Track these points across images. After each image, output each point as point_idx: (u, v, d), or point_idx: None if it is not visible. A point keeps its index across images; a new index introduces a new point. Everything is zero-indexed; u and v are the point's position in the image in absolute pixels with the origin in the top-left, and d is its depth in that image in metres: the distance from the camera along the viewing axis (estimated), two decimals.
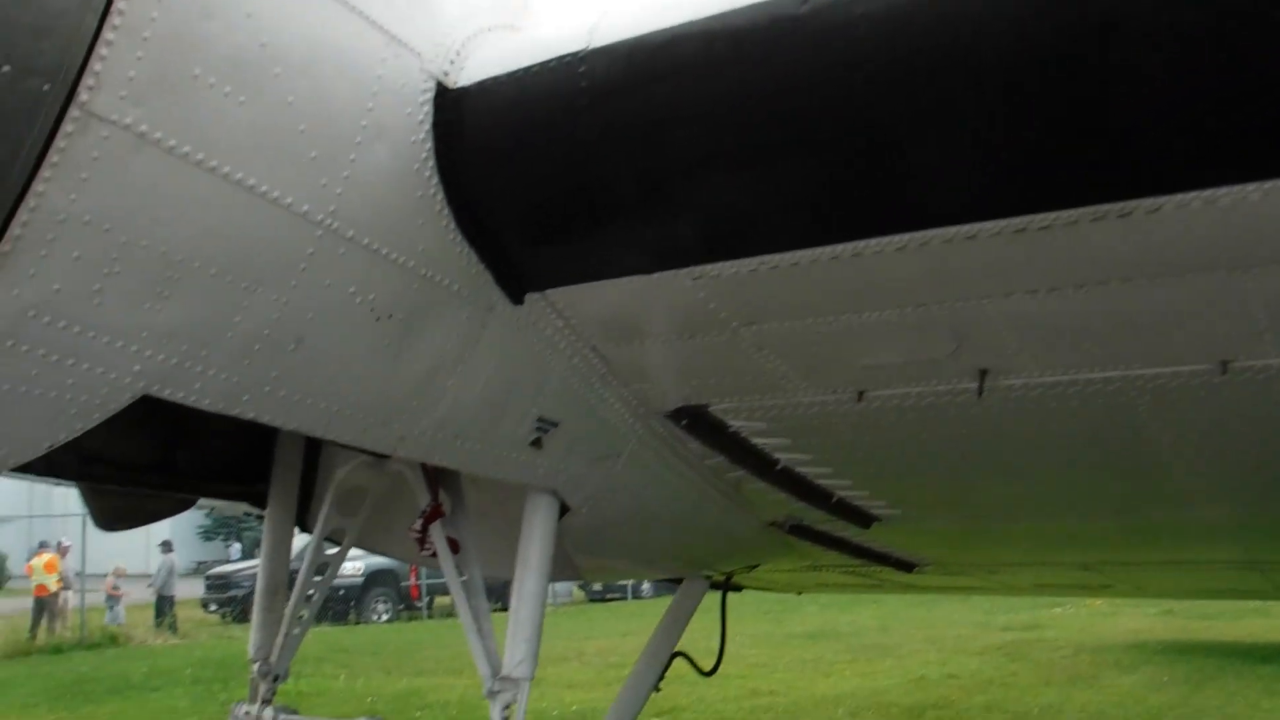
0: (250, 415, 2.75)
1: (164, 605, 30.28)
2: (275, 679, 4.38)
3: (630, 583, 34.17)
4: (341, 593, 30.62)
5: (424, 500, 3.92)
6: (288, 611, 4.43)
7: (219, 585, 33.70)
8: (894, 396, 3.25)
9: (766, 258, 2.70)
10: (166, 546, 31.63)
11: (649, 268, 2.86)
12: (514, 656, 3.70)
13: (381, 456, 4.09)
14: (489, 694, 3.67)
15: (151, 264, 2.37)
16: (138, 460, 4.24)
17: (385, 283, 2.76)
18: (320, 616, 30.78)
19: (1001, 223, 2.42)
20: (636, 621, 26.74)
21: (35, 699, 18.61)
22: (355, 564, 31.05)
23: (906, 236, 2.52)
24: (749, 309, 2.95)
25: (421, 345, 2.93)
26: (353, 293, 2.71)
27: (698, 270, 2.81)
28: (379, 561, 31.31)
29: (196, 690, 18.69)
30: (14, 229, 2.17)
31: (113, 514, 4.58)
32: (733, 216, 2.66)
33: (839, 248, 2.62)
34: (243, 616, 31.68)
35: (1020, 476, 3.97)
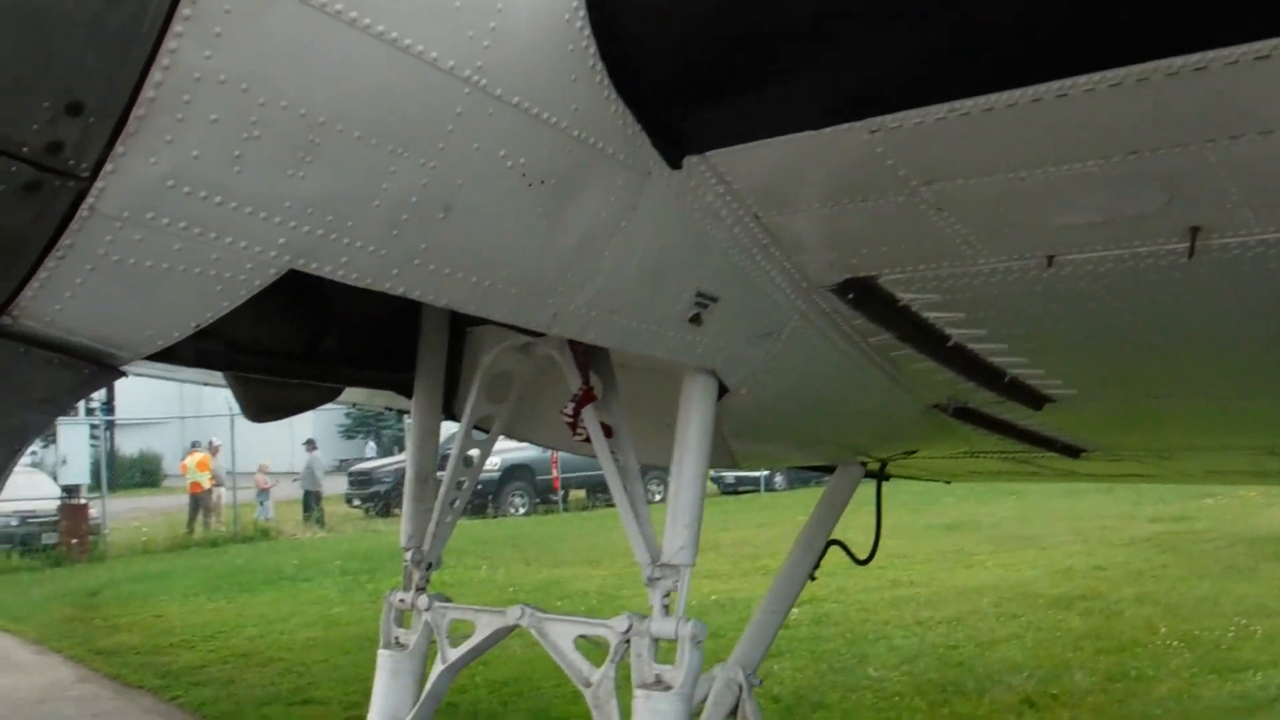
0: (400, 290, 2.60)
1: (311, 501, 31.37)
2: (428, 567, 4.33)
3: (763, 475, 34.19)
4: (479, 486, 31.20)
5: (575, 384, 3.77)
6: (439, 500, 4.35)
7: (361, 481, 34.74)
8: (1089, 261, 2.95)
9: (958, 104, 2.42)
10: (311, 445, 32.62)
11: (822, 121, 2.60)
12: (674, 543, 3.56)
13: (530, 339, 3.98)
14: (648, 581, 3.54)
15: (293, 127, 2.20)
16: (285, 349, 4.18)
17: (537, 145, 2.56)
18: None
19: (1241, 49, 2.11)
20: (770, 514, 26.79)
21: (195, 588, 19.45)
22: (492, 458, 31.51)
23: (1124, 71, 2.22)
24: (932, 165, 2.68)
25: (576, 213, 2.73)
26: (503, 156, 2.52)
27: (876, 122, 2.55)
28: (515, 456, 31.88)
29: (344, 581, 19.32)
30: (147, 91, 2.02)
31: (261, 405, 4.55)
32: (921, 56, 2.38)
33: (1042, 88, 2.32)
34: (385, 511, 32.71)
35: (1221, 349, 3.64)
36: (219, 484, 30.11)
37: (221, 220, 2.24)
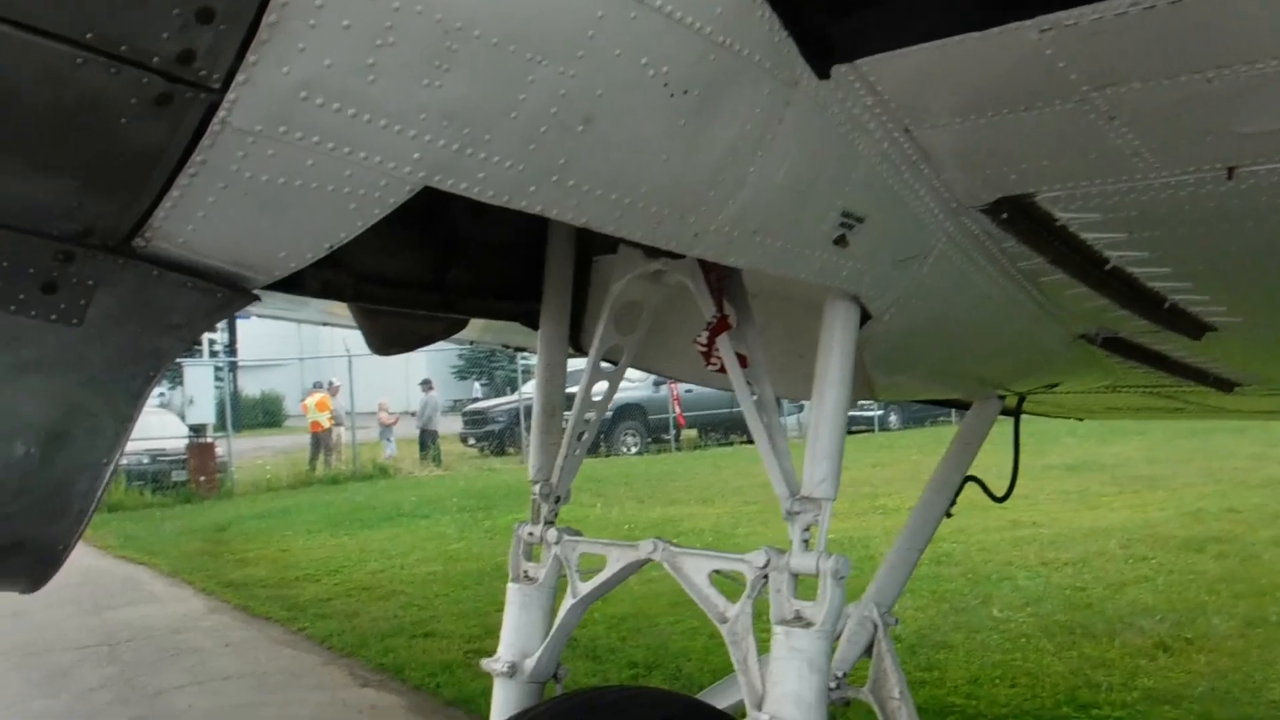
0: (537, 208, 2.48)
1: (427, 440, 31.95)
2: (556, 500, 4.26)
3: (876, 414, 33.84)
4: None
5: (709, 312, 3.63)
6: (567, 433, 4.27)
7: (476, 420, 35.27)
8: (1276, 172, 2.72)
9: None
10: (427, 385, 33.19)
11: (987, 21, 2.41)
12: (814, 475, 3.42)
13: (660, 267, 3.85)
14: (787, 515, 3.41)
15: (428, 34, 2.08)
16: (412, 280, 4.12)
17: (680, 52, 2.40)
18: None
19: None
20: (885, 453, 26.53)
21: (318, 524, 19.95)
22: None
23: None
24: (1107, 68, 2.46)
25: (719, 126, 2.57)
26: (645, 64, 2.37)
27: (1049, 20, 2.34)
28: (627, 395, 32.02)
29: (462, 518, 19.64)
30: None
31: (386, 337, 4.51)
32: None
33: None
34: (499, 450, 33.17)
35: None
36: (338, 423, 30.82)
37: (355, 134, 2.14)
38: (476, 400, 43.09)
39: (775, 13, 2.50)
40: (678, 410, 31.88)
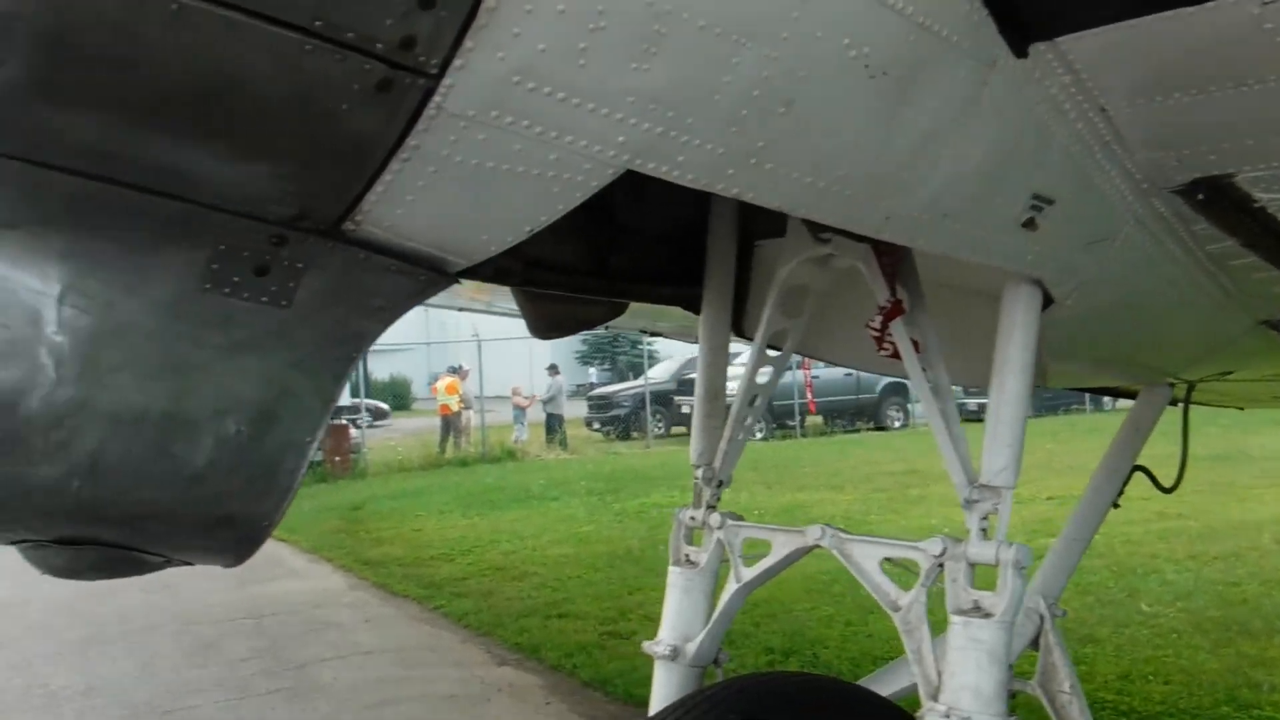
0: (733, 191, 2.47)
1: (554, 424, 32.30)
2: (719, 485, 4.25)
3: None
4: None
5: (883, 296, 3.58)
6: (731, 417, 4.26)
7: (601, 405, 35.55)
8: None
9: None
10: (554, 369, 33.54)
11: None
12: (994, 463, 3.35)
13: (830, 251, 3.81)
14: (965, 503, 3.35)
15: (638, 17, 2.08)
16: (576, 266, 4.15)
17: (881, 33, 2.36)
18: None
19: None
20: (1049, 441, 25.86)
21: (449, 505, 20.31)
22: (730, 384, 31.71)
23: None
24: None
25: (916, 108, 2.53)
26: (846, 45, 2.33)
27: None
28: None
29: (590, 501, 19.81)
30: None
31: (549, 322, 4.55)
32: None
33: None
34: (625, 434, 33.37)
35: None
36: (467, 407, 31.34)
37: (563, 118, 2.16)
38: (595, 385, 43.39)
39: None
40: (810, 396, 31.66)
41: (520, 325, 5.05)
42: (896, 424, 33.59)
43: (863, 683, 4.22)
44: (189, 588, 13.23)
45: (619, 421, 33.68)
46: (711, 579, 4.15)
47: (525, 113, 2.12)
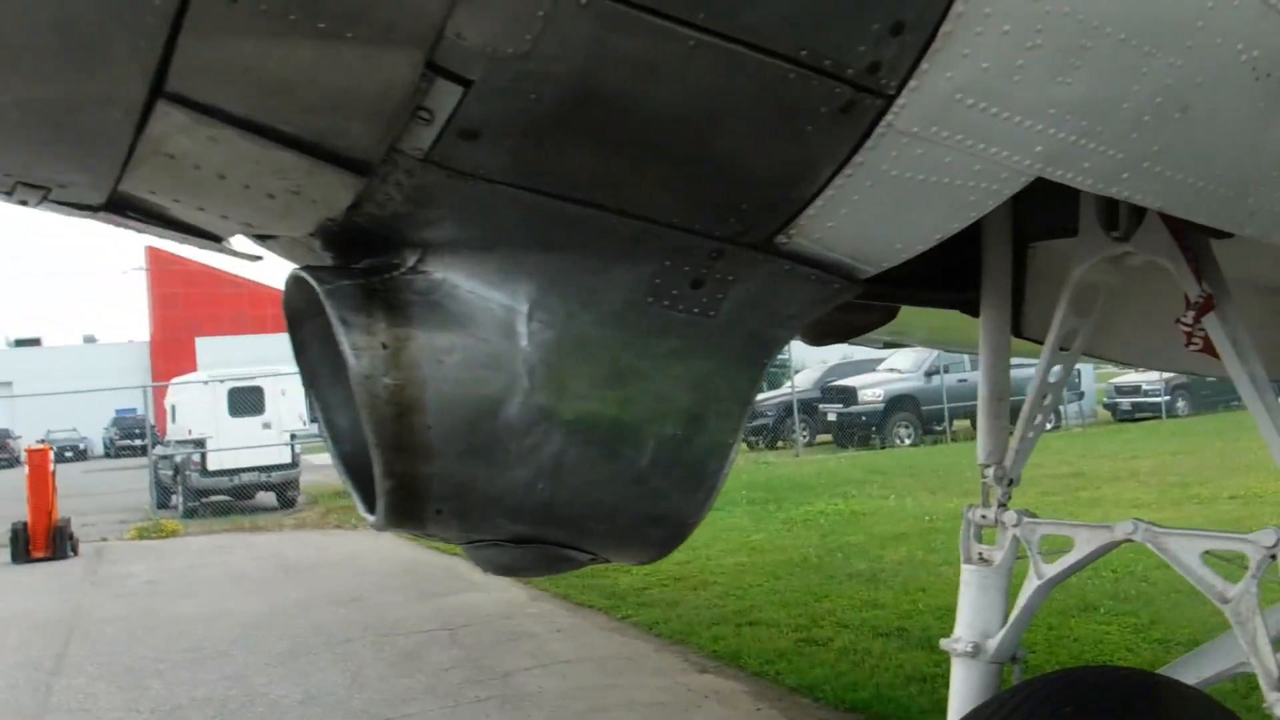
0: (1124, 194, 2.57)
1: None
2: (1010, 483, 4.32)
3: (1164, 400, 32.34)
4: (863, 419, 31.33)
5: (1193, 292, 3.63)
6: (1023, 417, 4.33)
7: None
8: None
9: None
10: None
11: None
12: None
13: (1128, 249, 3.86)
14: None
15: (1068, 33, 2.21)
16: None
17: (1269, 37, 2.45)
18: (844, 441, 31.73)
19: None
20: (1181, 440, 25.24)
21: None
22: (874, 390, 31.60)
23: None
24: None
25: None
26: (1239, 50, 2.43)
27: None
28: (899, 386, 31.67)
29: (754, 510, 19.84)
30: (957, 5, 2.07)
31: (821, 329, 4.67)
32: None
33: None
34: (772, 443, 33.29)
35: None
36: None
37: (991, 130, 2.29)
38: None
39: None
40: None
41: None
42: (1048, 426, 32.91)
43: (1166, 670, 4.23)
44: (377, 601, 13.69)
45: (766, 431, 33.64)
46: (1007, 576, 4.22)
47: (960, 127, 2.26)
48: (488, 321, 2.31)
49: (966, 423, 32.82)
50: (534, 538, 2.52)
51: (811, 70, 2.05)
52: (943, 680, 9.20)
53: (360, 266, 2.38)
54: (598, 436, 2.42)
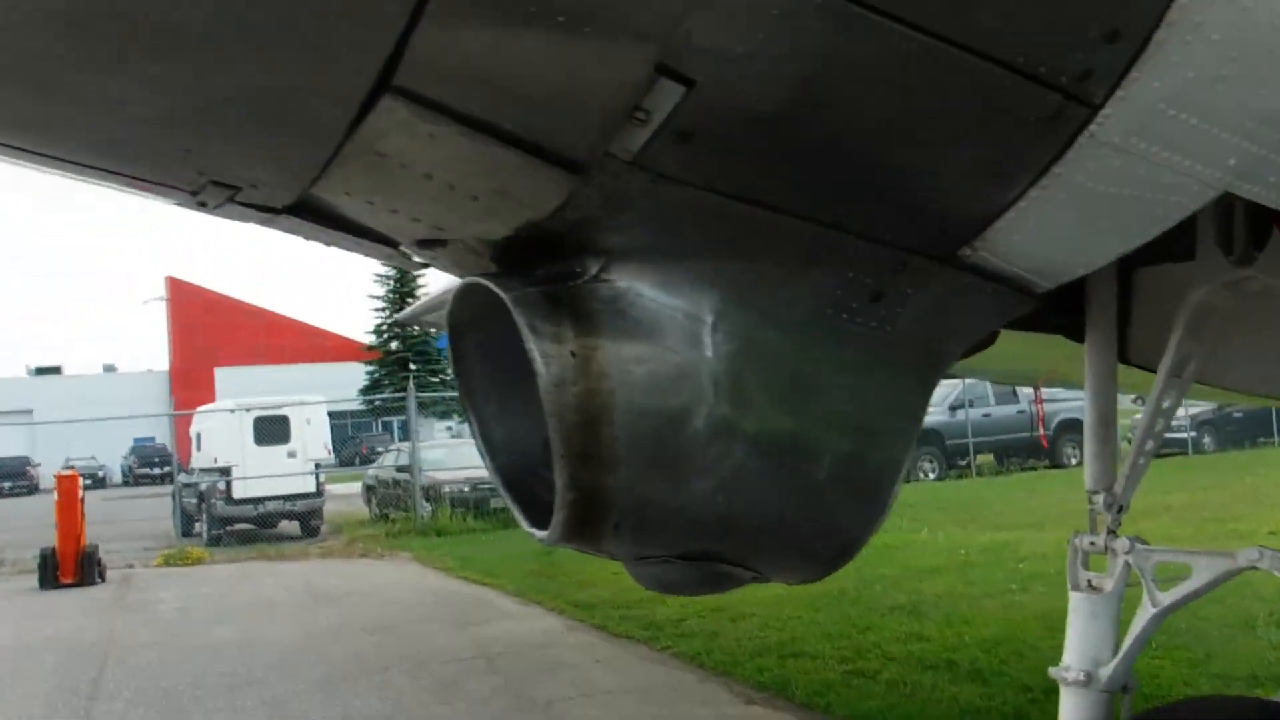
0: None
1: None
2: (1119, 510, 4.26)
3: (1190, 435, 32.12)
4: None
5: None
6: (1135, 443, 4.28)
7: None
8: None
9: None
10: None
11: None
12: None
13: (1248, 273, 3.81)
14: None
15: (1270, 43, 2.16)
16: None
17: None
18: None
19: None
20: (1211, 475, 25.05)
21: None
22: None
23: None
24: None
25: None
26: None
27: None
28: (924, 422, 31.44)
29: None
30: (1171, 13, 2.03)
31: None
32: None
33: None
34: None
35: None
36: None
37: (1188, 141, 2.24)
38: None
39: None
40: (1041, 431, 30.78)
41: None
42: (1073, 461, 32.72)
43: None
44: (411, 630, 13.60)
45: None
46: (1118, 604, 4.15)
47: (1158, 137, 2.21)
48: (673, 331, 2.27)
49: (990, 457, 32.68)
50: (705, 554, 2.47)
51: (1025, 76, 2.01)
52: (997, 713, 9.11)
53: (540, 274, 2.34)
54: (777, 450, 2.37)
